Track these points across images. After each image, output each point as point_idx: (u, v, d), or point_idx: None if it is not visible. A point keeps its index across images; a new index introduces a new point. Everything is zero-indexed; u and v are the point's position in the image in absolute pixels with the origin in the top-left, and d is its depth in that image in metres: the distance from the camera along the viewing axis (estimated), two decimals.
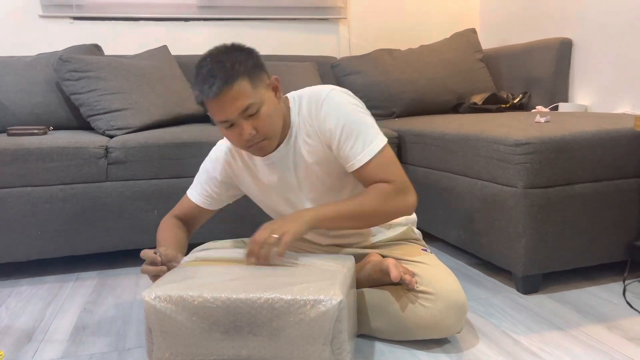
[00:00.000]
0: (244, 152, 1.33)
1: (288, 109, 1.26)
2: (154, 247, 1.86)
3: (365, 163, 1.19)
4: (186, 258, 1.24)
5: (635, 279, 1.59)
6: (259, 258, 1.12)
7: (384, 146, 1.22)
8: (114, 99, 2.03)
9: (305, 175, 1.28)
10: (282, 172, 1.29)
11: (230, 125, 1.16)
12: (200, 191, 1.42)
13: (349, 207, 1.20)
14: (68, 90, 2.08)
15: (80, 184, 1.77)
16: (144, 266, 1.22)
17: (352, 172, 1.23)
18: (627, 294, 1.50)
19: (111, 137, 1.92)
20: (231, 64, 1.12)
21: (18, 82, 2.16)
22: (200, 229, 1.47)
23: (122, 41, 2.60)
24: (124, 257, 1.94)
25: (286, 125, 1.25)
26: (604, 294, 1.51)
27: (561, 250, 1.50)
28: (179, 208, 1.45)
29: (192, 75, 1.17)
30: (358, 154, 1.20)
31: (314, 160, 1.26)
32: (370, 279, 1.28)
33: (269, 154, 1.24)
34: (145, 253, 1.21)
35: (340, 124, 1.19)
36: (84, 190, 1.77)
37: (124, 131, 1.96)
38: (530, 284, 1.54)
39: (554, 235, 1.48)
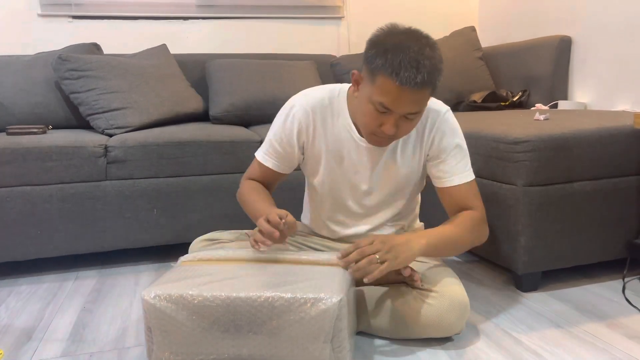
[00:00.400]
0: (347, 121, 1.27)
1: None
2: (154, 246, 1.87)
3: (463, 183, 1.27)
4: (185, 257, 1.23)
5: (634, 277, 1.59)
6: (357, 271, 1.07)
7: (474, 179, 1.30)
8: (113, 98, 2.02)
9: (387, 171, 1.31)
10: (371, 158, 1.29)
11: (384, 112, 1.11)
12: (275, 156, 1.33)
13: (451, 234, 1.22)
14: (67, 90, 2.08)
15: (80, 183, 1.76)
16: (262, 223, 1.12)
17: (442, 187, 1.29)
18: (626, 291, 1.50)
19: (110, 136, 1.92)
20: (435, 68, 1.09)
21: (17, 81, 2.16)
22: (201, 225, 1.46)
23: (121, 40, 2.60)
24: (123, 256, 1.94)
25: None
26: (603, 292, 1.51)
27: (561, 248, 1.50)
28: (255, 174, 1.37)
29: (381, 41, 1.09)
30: (459, 172, 1.27)
31: (403, 162, 1.30)
32: None
33: (380, 146, 1.23)
34: (271, 217, 1.12)
35: (455, 142, 1.27)
36: (83, 189, 1.76)
37: (123, 130, 1.96)
38: (530, 282, 1.54)
39: (554, 233, 1.48)
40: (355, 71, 1.19)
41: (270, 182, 1.38)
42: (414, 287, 1.23)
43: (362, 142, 1.27)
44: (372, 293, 1.27)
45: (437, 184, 1.31)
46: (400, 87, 1.06)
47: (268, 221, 1.12)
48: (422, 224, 1.51)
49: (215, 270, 1.12)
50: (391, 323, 1.24)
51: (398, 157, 1.30)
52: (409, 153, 1.30)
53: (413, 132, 1.28)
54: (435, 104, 1.28)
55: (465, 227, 1.24)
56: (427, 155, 1.30)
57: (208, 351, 1.01)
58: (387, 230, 1.40)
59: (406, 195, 1.36)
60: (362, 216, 1.38)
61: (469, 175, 1.29)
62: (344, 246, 1.39)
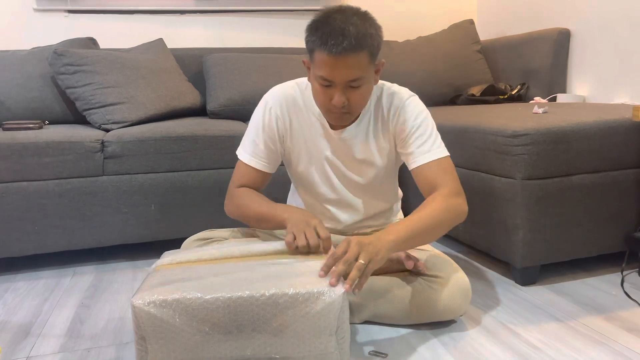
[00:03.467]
0: (317, 114, 1.30)
1: None
2: (151, 242, 1.86)
3: (430, 161, 1.24)
4: (159, 262, 1.16)
5: (633, 270, 1.59)
6: (337, 276, 1.00)
7: (448, 156, 1.26)
8: (110, 93, 2.01)
9: (362, 160, 1.33)
10: (349, 148, 1.31)
11: (328, 85, 1.15)
12: (258, 153, 1.32)
13: (421, 222, 1.15)
14: (63, 84, 2.06)
15: (77, 179, 1.76)
16: (312, 236, 1.12)
17: (412, 169, 1.26)
18: (625, 284, 1.50)
19: (107, 131, 1.91)
20: (364, 33, 1.10)
21: (13, 76, 2.14)
22: (199, 220, 1.45)
23: (117, 34, 2.59)
24: (121, 251, 1.94)
25: None
26: (602, 285, 1.51)
27: (559, 241, 1.50)
28: (242, 179, 1.34)
29: (313, 20, 1.14)
30: (425, 152, 1.24)
31: (376, 149, 1.31)
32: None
33: (342, 126, 1.26)
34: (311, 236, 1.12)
35: (418, 122, 1.26)
36: (80, 184, 1.76)
37: (120, 125, 1.95)
38: (529, 276, 1.54)
39: (552, 226, 1.48)
40: (305, 59, 1.24)
41: (259, 184, 1.35)
42: (418, 275, 1.27)
43: (335, 134, 1.30)
44: (377, 282, 1.29)
45: (409, 167, 1.29)
46: (330, 55, 1.10)
47: (317, 233, 1.13)
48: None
49: (202, 271, 1.07)
50: (399, 310, 1.26)
51: (371, 145, 1.32)
52: (380, 140, 1.31)
53: (380, 119, 1.30)
54: (400, 90, 1.30)
55: (436, 208, 1.17)
56: (395, 140, 1.31)
57: (209, 355, 0.97)
58: (371, 222, 1.43)
59: (382, 181, 1.37)
60: (343, 205, 1.40)
61: (437, 154, 1.24)
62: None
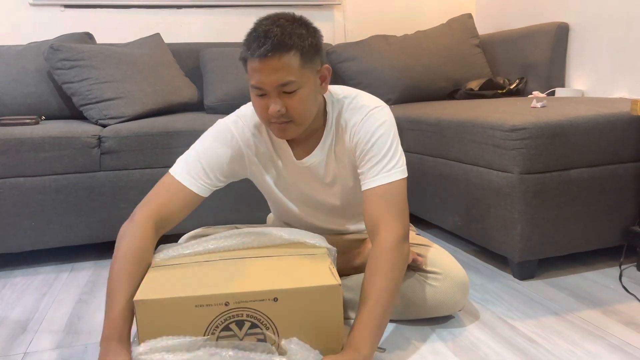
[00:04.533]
0: (280, 141, 1.22)
1: (323, 105, 1.21)
2: None
3: (375, 187, 1.13)
4: (157, 256, 1.14)
5: (631, 264, 1.59)
6: None
7: (403, 180, 1.14)
8: (107, 88, 2.00)
9: (331, 183, 1.27)
10: (312, 176, 1.26)
11: (262, 94, 1.08)
12: (199, 175, 1.18)
13: (380, 310, 1.03)
14: (60, 80, 2.05)
15: (73, 174, 1.75)
16: None
17: (363, 190, 1.16)
18: (623, 278, 1.50)
19: (104, 126, 1.90)
20: (289, 34, 1.04)
21: (9, 71, 2.13)
22: (196, 216, 1.43)
23: (114, 29, 2.57)
24: None
25: (318, 125, 1.20)
26: (600, 279, 1.51)
27: (557, 235, 1.50)
28: (162, 199, 1.16)
29: (247, 34, 1.08)
30: (374, 175, 1.14)
31: (341, 170, 1.24)
32: None
33: (288, 137, 1.15)
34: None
35: (373, 140, 1.15)
36: (77, 180, 1.75)
37: (117, 120, 1.94)
38: (526, 270, 1.54)
39: (550, 220, 1.48)
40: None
41: (180, 208, 1.17)
42: (417, 270, 1.26)
43: (300, 164, 1.24)
44: None
45: (362, 188, 1.18)
46: (255, 60, 1.04)
47: None
48: None
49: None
50: (397, 305, 1.26)
51: (336, 166, 1.24)
52: (344, 160, 1.23)
53: (341, 137, 1.20)
54: (364, 104, 1.19)
55: (385, 285, 1.05)
56: (355, 158, 1.20)
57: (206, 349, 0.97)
58: (353, 228, 1.40)
59: (359, 198, 1.21)
60: (325, 222, 1.37)
61: (386, 178, 1.13)
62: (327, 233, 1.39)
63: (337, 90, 1.23)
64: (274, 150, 1.25)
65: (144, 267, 1.09)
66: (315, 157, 1.22)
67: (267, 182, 1.30)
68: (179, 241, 1.39)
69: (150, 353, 0.93)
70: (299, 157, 1.23)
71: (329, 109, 1.21)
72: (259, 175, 1.28)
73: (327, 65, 1.14)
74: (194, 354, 0.93)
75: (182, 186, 1.17)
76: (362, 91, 1.24)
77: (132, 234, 1.10)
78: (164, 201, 1.16)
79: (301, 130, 1.14)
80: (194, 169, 1.18)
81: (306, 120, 1.13)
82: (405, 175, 1.16)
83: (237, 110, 1.26)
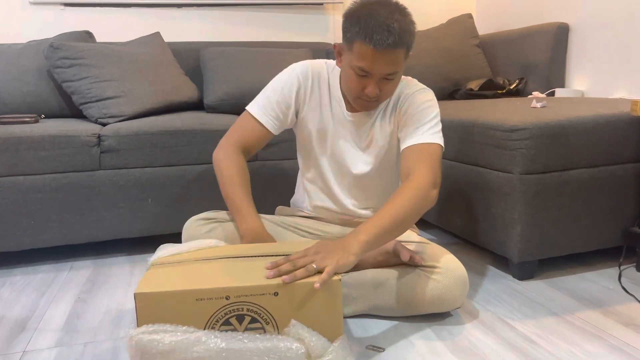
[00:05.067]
0: (337, 92, 1.35)
1: None
2: (148, 236, 1.85)
3: (414, 145, 1.26)
4: (156, 255, 1.15)
5: (630, 265, 1.59)
6: (277, 272, 1.00)
7: (440, 146, 1.28)
8: (107, 87, 2.00)
9: (367, 142, 1.37)
10: (358, 131, 1.36)
11: (364, 75, 1.19)
12: (271, 112, 1.35)
13: (390, 217, 1.12)
14: (59, 78, 2.05)
15: (73, 173, 1.75)
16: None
17: (401, 151, 1.30)
18: (622, 279, 1.50)
19: (104, 125, 1.90)
20: (405, 30, 1.16)
21: (9, 70, 2.13)
22: (196, 214, 1.43)
23: (114, 28, 2.57)
24: (118, 246, 1.93)
25: None
26: (599, 280, 1.51)
27: (557, 236, 1.50)
28: (242, 133, 1.36)
29: (354, 11, 1.19)
30: (415, 135, 1.27)
31: (382, 135, 1.35)
32: (375, 262, 1.31)
33: (368, 110, 1.30)
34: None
35: (419, 109, 1.30)
36: (76, 179, 1.75)
37: (117, 119, 1.94)
38: (526, 270, 1.54)
39: (550, 221, 1.48)
40: (336, 43, 1.28)
41: (255, 143, 1.37)
42: (416, 266, 1.27)
43: (349, 116, 1.35)
44: (376, 274, 1.29)
45: (401, 145, 1.32)
46: (374, 49, 1.14)
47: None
48: None
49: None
50: (397, 302, 1.26)
51: (377, 128, 1.36)
52: (385, 124, 1.36)
53: (391, 105, 1.35)
54: (416, 83, 1.36)
55: (404, 202, 1.15)
56: (398, 123, 1.34)
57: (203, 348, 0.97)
58: (371, 211, 1.44)
59: (388, 169, 1.41)
60: (348, 188, 1.42)
61: (424, 138, 1.26)
62: (331, 229, 1.43)
63: None
64: (329, 99, 1.36)
65: (247, 178, 1.33)
66: (365, 116, 1.35)
67: (309, 128, 1.39)
68: (186, 224, 1.39)
69: (148, 333, 0.95)
70: (350, 110, 1.35)
71: None
72: (307, 117, 1.38)
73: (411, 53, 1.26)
74: (194, 334, 0.95)
75: (256, 122, 1.35)
76: None
77: (227, 157, 1.33)
78: (243, 134, 1.36)
79: (378, 105, 1.31)
80: (264, 106, 1.36)
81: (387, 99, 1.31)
82: (443, 144, 1.29)
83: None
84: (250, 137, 1.36)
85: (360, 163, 1.38)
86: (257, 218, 1.29)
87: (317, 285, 0.96)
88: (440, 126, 1.31)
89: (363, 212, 1.44)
